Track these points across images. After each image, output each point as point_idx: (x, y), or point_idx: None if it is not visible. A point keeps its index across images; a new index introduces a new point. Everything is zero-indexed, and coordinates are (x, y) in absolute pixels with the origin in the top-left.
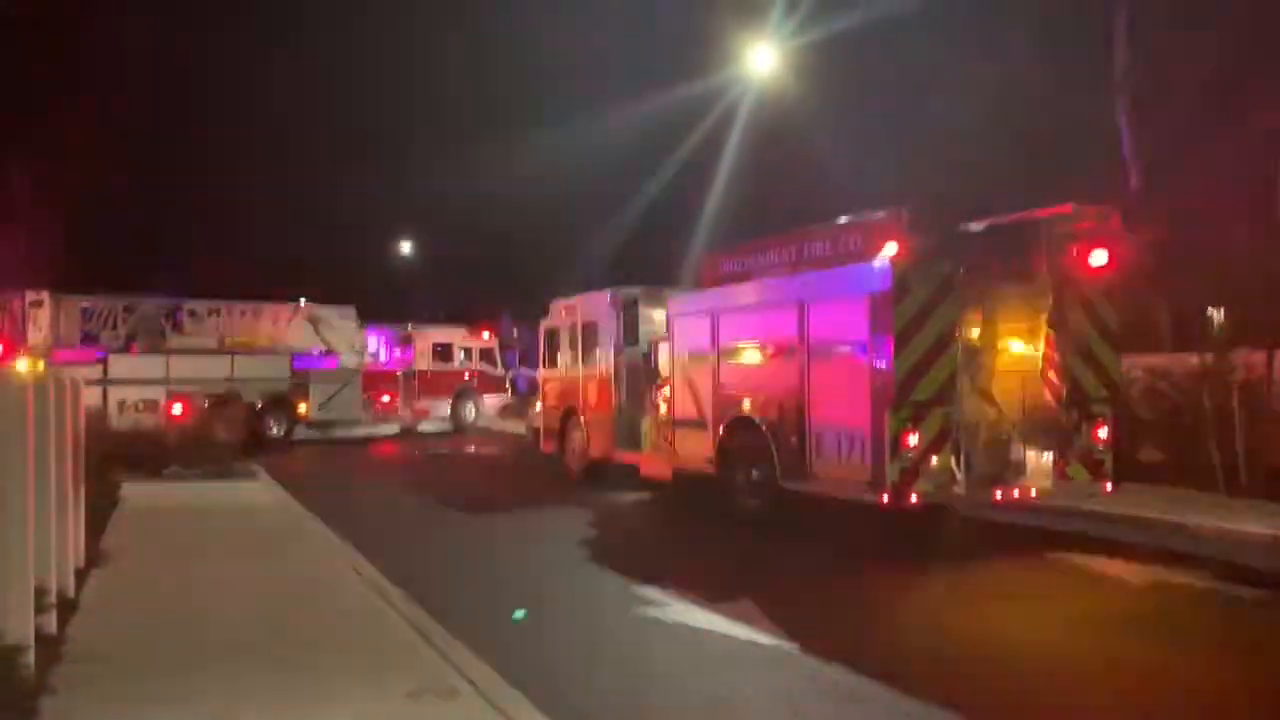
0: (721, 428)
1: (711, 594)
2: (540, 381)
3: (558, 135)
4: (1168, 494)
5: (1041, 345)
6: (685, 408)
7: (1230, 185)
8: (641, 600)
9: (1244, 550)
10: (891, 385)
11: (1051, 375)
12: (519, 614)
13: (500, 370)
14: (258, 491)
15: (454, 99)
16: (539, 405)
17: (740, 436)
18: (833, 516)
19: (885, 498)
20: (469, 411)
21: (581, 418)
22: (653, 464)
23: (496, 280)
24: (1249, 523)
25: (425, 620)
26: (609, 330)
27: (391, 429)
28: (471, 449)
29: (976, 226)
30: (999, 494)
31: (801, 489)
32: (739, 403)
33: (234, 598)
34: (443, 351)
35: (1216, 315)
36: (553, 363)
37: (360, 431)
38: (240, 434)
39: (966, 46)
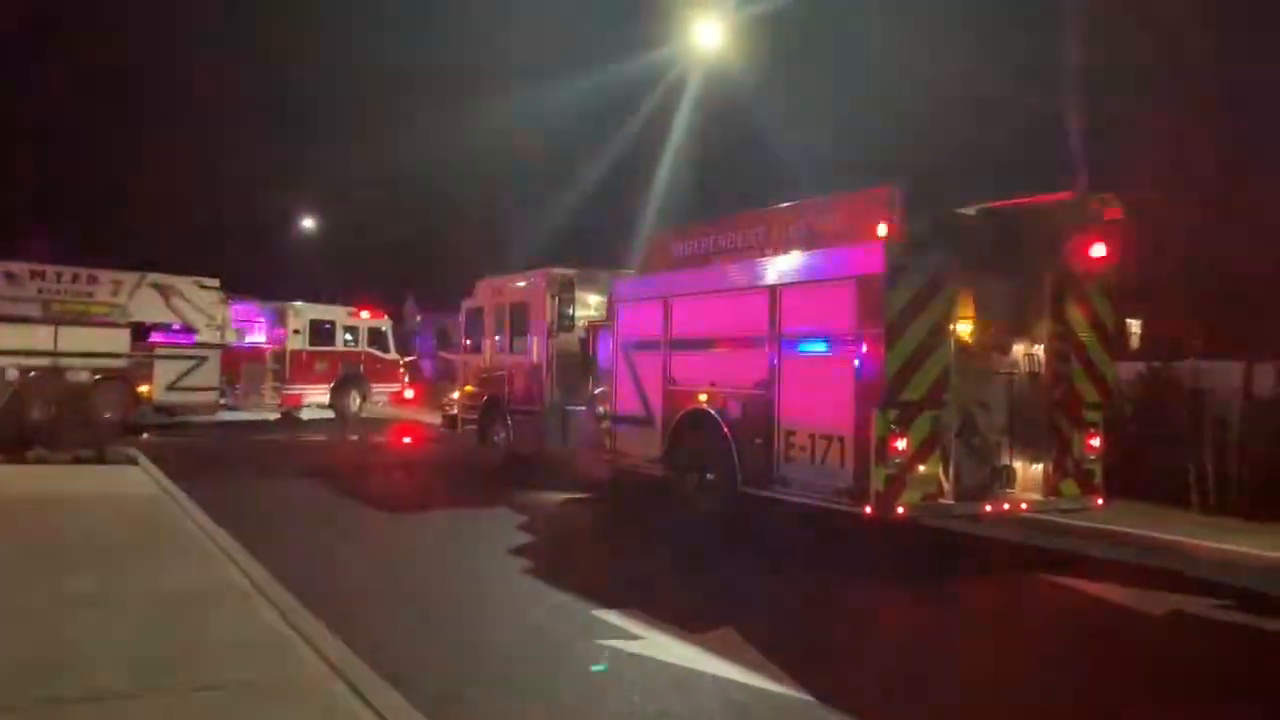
0: (672, 424)
1: (680, 620)
2: (460, 367)
3: (490, 111)
4: (1141, 509)
5: (1035, 345)
6: (629, 401)
7: (1184, 189)
8: (601, 628)
9: (1247, 574)
10: (880, 382)
11: (1046, 379)
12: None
13: (393, 355)
14: (135, 482)
15: (377, 70)
16: (457, 393)
17: (694, 434)
18: (796, 526)
19: (868, 509)
20: (353, 400)
21: (507, 408)
22: (588, 461)
23: (416, 263)
24: (1244, 543)
25: (350, 661)
26: (541, 314)
27: (265, 415)
28: (376, 439)
29: (969, 211)
30: (988, 507)
31: (766, 495)
32: (694, 397)
33: (94, 627)
34: (323, 331)
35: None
36: (475, 347)
37: (224, 417)
38: (60, 414)
39: (919, 29)
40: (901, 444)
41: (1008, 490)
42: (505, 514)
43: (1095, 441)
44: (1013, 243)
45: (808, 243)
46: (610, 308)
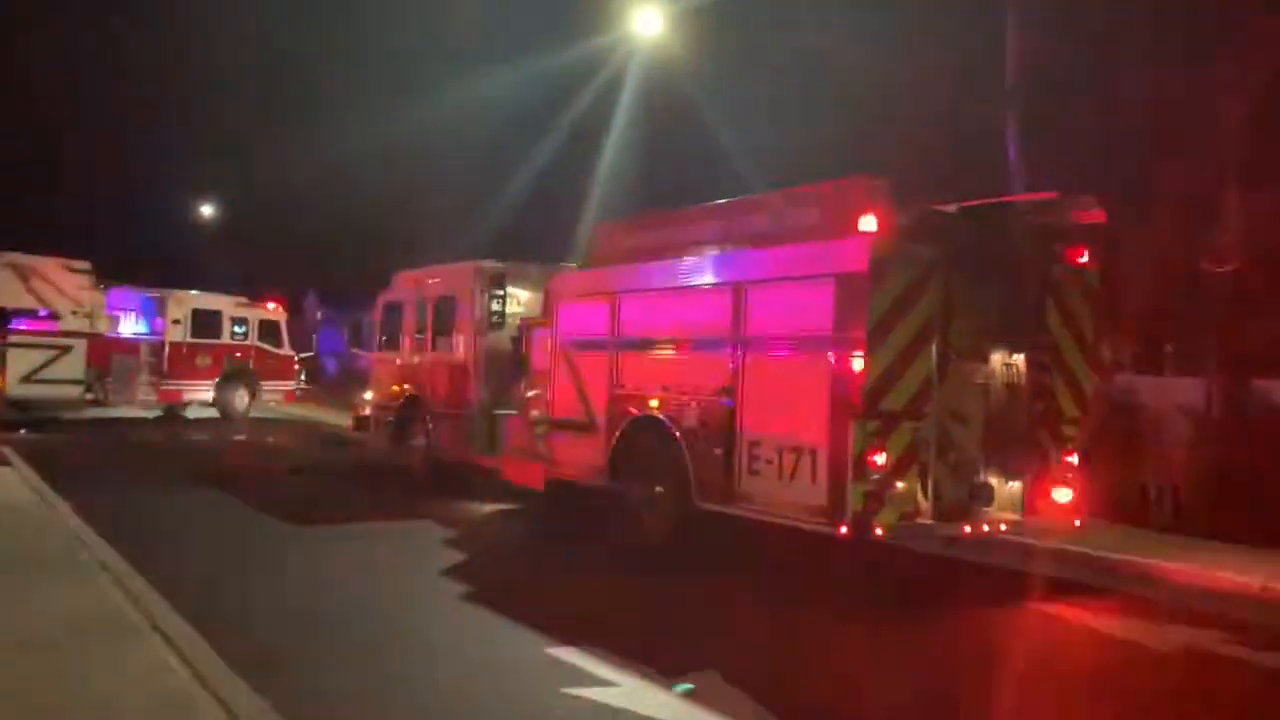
0: (618, 432)
1: (649, 658)
2: (374, 365)
3: (413, 101)
4: (1101, 526)
5: (1014, 354)
6: (568, 405)
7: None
8: (564, 671)
9: (1237, 603)
10: (860, 390)
11: (1025, 390)
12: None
13: (287, 350)
14: (5, 486)
15: (297, 55)
16: (370, 392)
17: (642, 443)
18: (755, 545)
19: (844, 529)
20: (239, 397)
21: (429, 411)
22: (520, 470)
23: (323, 258)
24: (1227, 568)
25: None
26: (469, 309)
27: (144, 413)
28: (270, 440)
29: (949, 208)
30: (968, 528)
31: (724, 510)
32: (643, 402)
33: None
34: (208, 322)
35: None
36: (392, 344)
37: (97, 413)
38: None
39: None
40: (880, 458)
41: (986, 509)
42: (430, 528)
43: (1073, 458)
44: (993, 244)
45: (775, 238)
46: (548, 304)
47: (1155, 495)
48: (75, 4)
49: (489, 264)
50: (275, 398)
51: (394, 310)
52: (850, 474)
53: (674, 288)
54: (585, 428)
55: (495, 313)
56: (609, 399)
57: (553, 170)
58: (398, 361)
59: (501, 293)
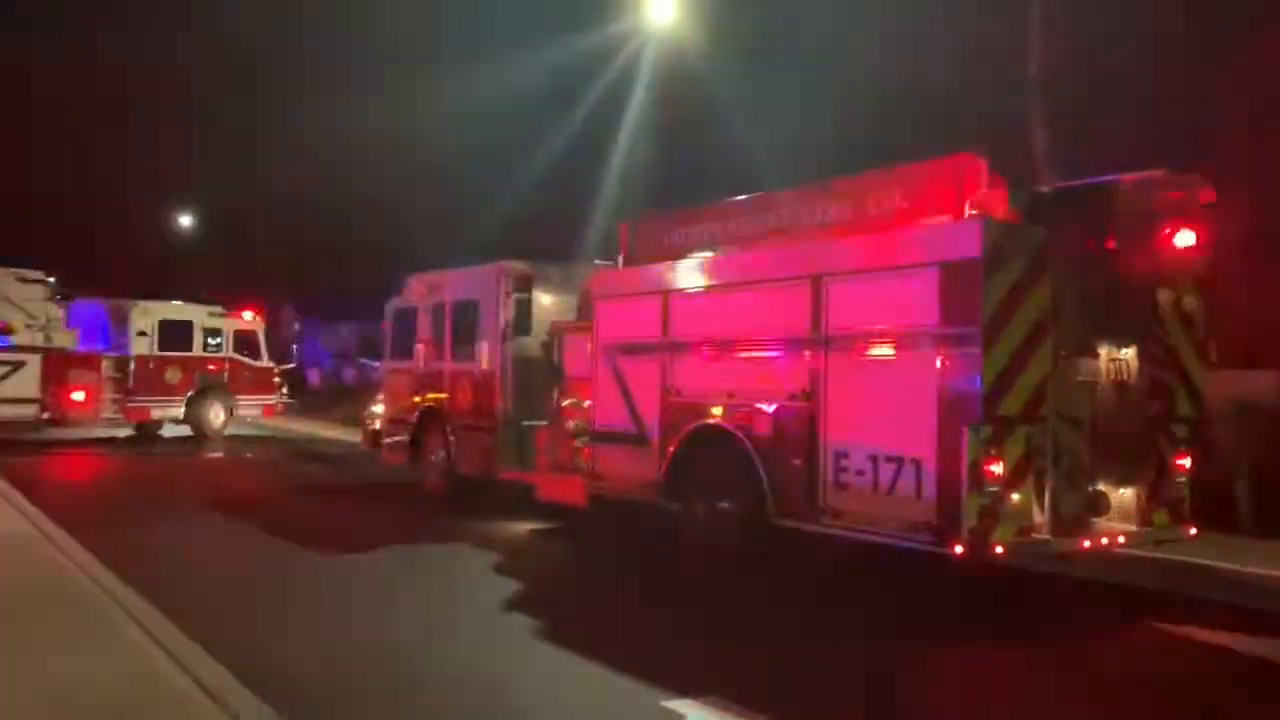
0: (675, 443)
1: (767, 706)
2: (385, 376)
3: (409, 98)
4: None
5: (1122, 349)
6: (613, 415)
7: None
8: None
9: None
10: (975, 393)
11: (1139, 388)
12: None
13: (266, 362)
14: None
15: (282, 49)
16: (380, 406)
17: (705, 456)
18: (835, 564)
19: (959, 547)
20: (215, 413)
21: (449, 424)
22: (556, 486)
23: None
24: None
25: None
26: (494, 314)
27: (115, 431)
28: (256, 458)
29: (1045, 188)
30: (1086, 542)
31: (807, 528)
32: (704, 410)
33: None
34: (177, 334)
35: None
36: (404, 353)
37: (56, 434)
38: None
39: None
40: (997, 468)
41: (1101, 521)
42: (469, 552)
43: (1185, 462)
44: (1098, 227)
45: (854, 225)
46: (585, 306)
47: (1246, 498)
48: (42, 4)
49: (515, 264)
50: (254, 413)
51: (407, 317)
52: (965, 486)
53: (737, 283)
54: (634, 439)
55: (523, 317)
56: (662, 407)
57: (560, 166)
58: (413, 371)
59: (528, 295)
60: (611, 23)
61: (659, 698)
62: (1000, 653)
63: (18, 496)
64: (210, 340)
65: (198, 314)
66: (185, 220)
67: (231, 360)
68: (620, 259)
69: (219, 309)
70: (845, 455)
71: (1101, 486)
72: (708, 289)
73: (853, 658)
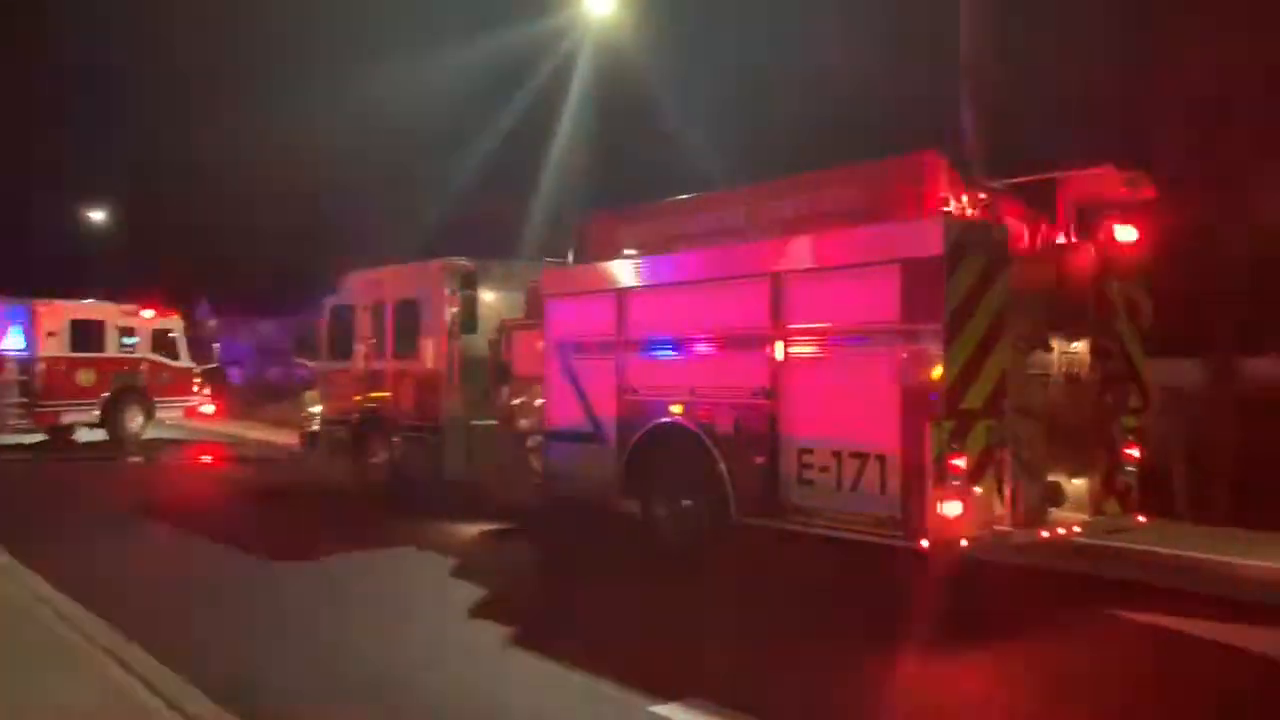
0: (633, 442)
1: (755, 708)
2: (323, 376)
3: (331, 92)
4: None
5: (1073, 342)
6: (568, 414)
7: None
8: None
9: None
10: (939, 389)
11: (1091, 381)
12: None
13: (186, 362)
14: None
15: (205, 43)
16: (318, 406)
17: (665, 454)
18: (798, 560)
19: (924, 542)
20: (132, 416)
21: (391, 425)
22: (506, 485)
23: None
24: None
25: None
26: (438, 312)
27: (22, 438)
28: (182, 463)
29: (996, 184)
30: (1045, 533)
31: (770, 525)
32: (663, 408)
33: None
34: (89, 334)
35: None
36: (343, 353)
37: None
38: None
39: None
40: (960, 462)
41: (1058, 511)
42: (424, 556)
43: (1134, 452)
44: (1047, 222)
45: (811, 223)
46: (535, 303)
47: (1185, 484)
48: None
49: (459, 262)
50: (174, 415)
51: (345, 315)
52: (929, 481)
53: (697, 280)
54: (590, 438)
55: (469, 315)
56: (619, 405)
57: (496, 163)
58: (353, 371)
59: (474, 293)
60: (547, 16)
61: (645, 703)
62: (975, 648)
63: None
64: (125, 340)
65: (111, 313)
66: (97, 215)
67: (149, 360)
68: (571, 256)
69: (134, 308)
70: (809, 452)
71: (1056, 478)
72: (666, 286)
73: (826, 657)
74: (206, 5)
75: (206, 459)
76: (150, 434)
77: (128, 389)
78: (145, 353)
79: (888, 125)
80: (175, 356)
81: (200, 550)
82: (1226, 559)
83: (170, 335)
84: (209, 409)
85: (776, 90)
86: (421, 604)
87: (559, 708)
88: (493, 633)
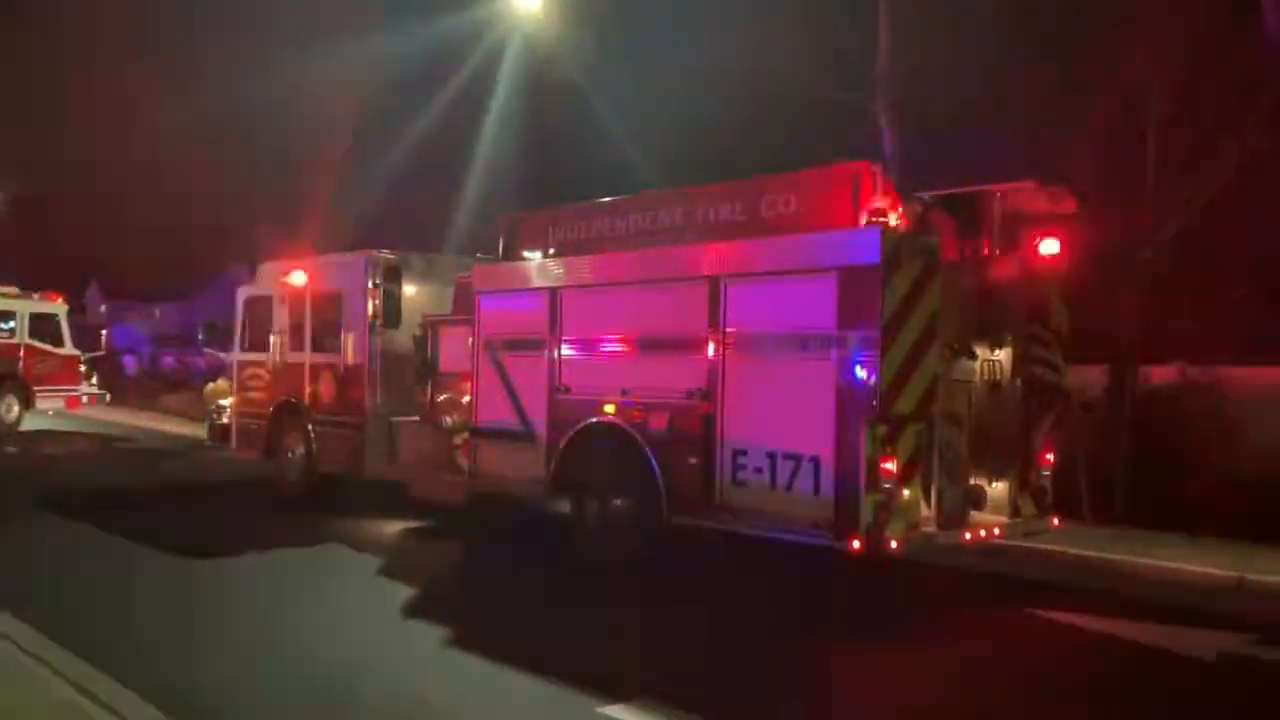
0: (564, 441)
1: (704, 708)
2: (236, 367)
3: (245, 77)
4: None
5: (995, 350)
6: (497, 411)
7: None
8: None
9: (1226, 598)
10: (872, 393)
11: (1011, 387)
12: None
13: (70, 349)
14: None
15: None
16: (231, 399)
17: (597, 453)
18: (742, 562)
19: (857, 543)
20: (7, 405)
21: (309, 418)
22: (429, 483)
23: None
24: (1178, 559)
25: None
26: (359, 306)
27: None
28: (62, 453)
29: (926, 195)
30: (967, 535)
31: (703, 525)
32: (595, 407)
33: None
34: None
35: None
36: (258, 344)
37: None
38: None
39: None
40: (891, 465)
41: (979, 514)
42: (344, 553)
43: (1050, 456)
44: (974, 234)
45: (747, 228)
46: (463, 299)
47: (1086, 488)
48: None
49: (383, 254)
50: (55, 404)
51: (260, 306)
52: (862, 483)
53: (633, 281)
54: (519, 436)
55: (391, 309)
56: (550, 404)
57: (414, 158)
58: (268, 364)
59: (397, 287)
60: (474, 7)
61: (592, 705)
62: (905, 647)
63: None
64: (2, 325)
65: None
66: None
67: (28, 346)
68: (500, 252)
69: (12, 290)
70: (743, 453)
71: (978, 481)
72: (601, 286)
73: (764, 656)
74: None
75: (86, 451)
76: (31, 425)
77: (3, 376)
78: (23, 339)
79: (813, 132)
80: (59, 343)
81: (108, 547)
82: (1126, 558)
83: (53, 320)
84: (92, 396)
85: (706, 92)
86: (352, 604)
87: (510, 709)
88: (429, 633)
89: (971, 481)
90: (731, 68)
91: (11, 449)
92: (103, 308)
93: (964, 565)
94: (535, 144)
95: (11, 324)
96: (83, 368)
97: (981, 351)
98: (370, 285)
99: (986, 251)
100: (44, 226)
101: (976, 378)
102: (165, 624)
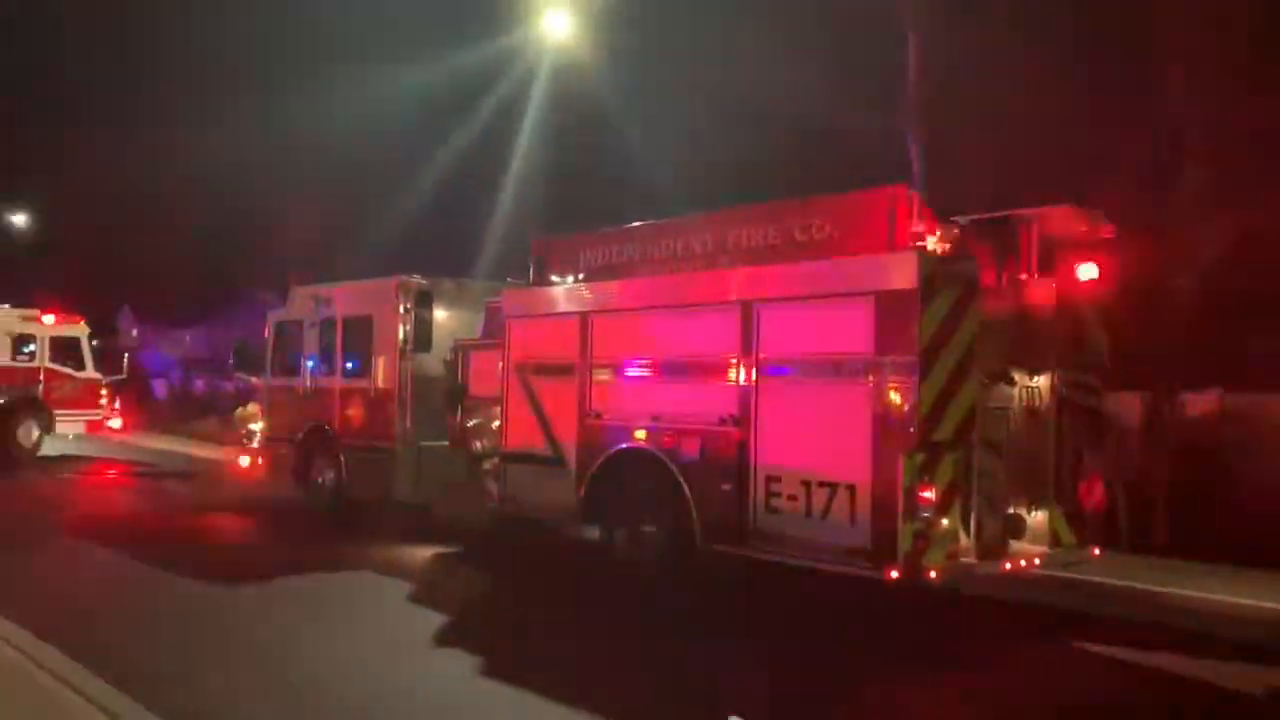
0: (594, 467)
1: None
2: (267, 392)
3: (277, 104)
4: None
5: (1035, 376)
6: (527, 436)
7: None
8: None
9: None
10: (910, 420)
11: (1051, 415)
12: None
13: (91, 372)
14: None
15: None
16: (262, 424)
17: (628, 479)
18: (764, 588)
19: (895, 572)
20: (26, 430)
21: (339, 443)
22: (459, 508)
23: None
24: (1220, 591)
25: None
26: (391, 330)
27: None
28: (87, 480)
29: (962, 219)
30: (1008, 564)
31: (736, 553)
32: (626, 433)
33: None
34: None
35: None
36: (290, 369)
37: None
38: None
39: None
40: (930, 493)
41: (1018, 543)
42: (379, 581)
43: (1089, 485)
44: (1011, 258)
45: (781, 252)
46: (493, 323)
47: (1126, 517)
48: None
49: (414, 279)
50: (75, 429)
51: (291, 330)
52: (900, 512)
53: (666, 305)
54: (549, 461)
55: (423, 333)
56: (580, 429)
57: (446, 183)
58: (299, 388)
59: (429, 312)
60: (503, 35)
61: None
62: (946, 680)
63: None
64: (21, 349)
65: (5, 319)
66: (17, 219)
67: (48, 370)
68: (530, 277)
69: (31, 313)
70: (777, 480)
71: (1017, 510)
72: (634, 310)
73: (799, 688)
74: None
75: (111, 474)
76: (53, 450)
77: (23, 400)
78: (43, 362)
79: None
80: (80, 366)
81: (137, 572)
82: (1169, 590)
83: (74, 343)
84: (116, 423)
85: (734, 116)
86: (383, 633)
87: None
88: (460, 663)
89: (1010, 510)
90: (756, 93)
91: (33, 474)
92: (134, 331)
93: (1004, 596)
94: (564, 169)
95: (32, 347)
96: (104, 392)
97: (1020, 378)
98: (401, 310)
99: (1024, 276)
100: (77, 249)
101: (1015, 404)
102: (195, 652)
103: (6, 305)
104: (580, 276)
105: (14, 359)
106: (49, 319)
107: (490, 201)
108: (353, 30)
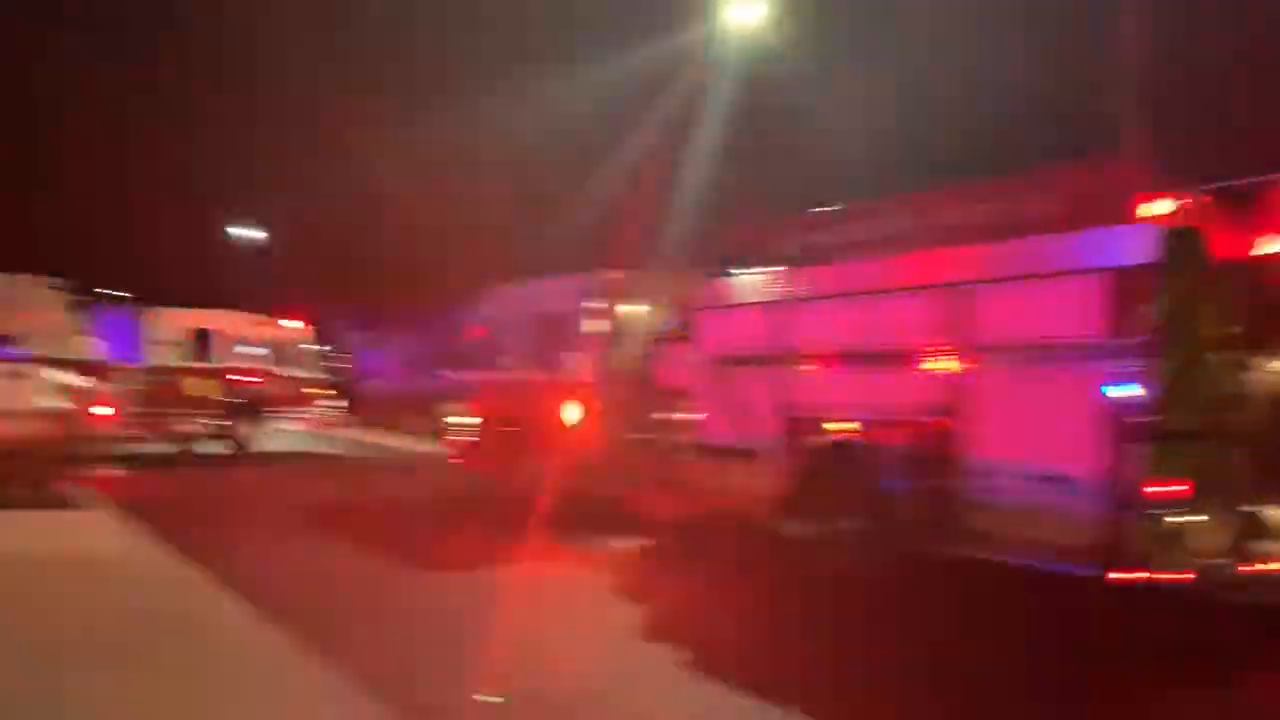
0: (794, 459)
1: None
2: (468, 388)
3: (464, 108)
4: None
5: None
6: (724, 429)
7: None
8: None
9: None
10: (1144, 407)
11: None
12: None
13: (312, 373)
14: (98, 533)
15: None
16: (464, 419)
17: (829, 473)
18: (970, 589)
19: (1126, 574)
20: (249, 427)
21: (539, 438)
22: (655, 501)
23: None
24: None
25: None
26: (583, 325)
27: (146, 448)
28: (311, 473)
29: (1197, 189)
30: (1249, 565)
31: (950, 551)
32: (824, 424)
33: None
34: (206, 344)
35: None
36: (487, 364)
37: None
38: None
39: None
40: (1165, 488)
41: (1264, 541)
42: (581, 573)
43: None
44: (1257, 230)
45: (986, 232)
46: (688, 316)
47: None
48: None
49: (609, 274)
50: (298, 426)
51: (490, 328)
52: (1129, 507)
53: (867, 292)
54: (747, 454)
55: (621, 327)
56: (779, 421)
57: (641, 172)
58: (495, 384)
59: (624, 305)
60: (689, 28)
61: None
62: (1194, 691)
63: (114, 516)
64: (248, 351)
65: (230, 321)
66: (257, 234)
67: (272, 371)
68: (725, 266)
69: (261, 317)
70: (990, 474)
71: (1259, 507)
72: (831, 298)
73: (1034, 704)
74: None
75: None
76: (273, 445)
77: (249, 399)
78: (268, 363)
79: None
80: (301, 366)
81: (370, 561)
82: None
83: (295, 345)
84: (335, 420)
85: (931, 96)
86: (591, 622)
87: None
88: (667, 655)
89: (1251, 507)
90: (958, 70)
91: (257, 472)
92: (356, 333)
93: (1249, 600)
94: (751, 156)
95: (256, 349)
96: (324, 391)
97: (1263, 361)
98: (594, 305)
99: (1270, 250)
100: (301, 255)
101: (1260, 391)
102: (421, 643)
103: (240, 310)
104: (774, 264)
105: (240, 360)
106: (285, 323)
107: (684, 191)
108: (537, 31)
